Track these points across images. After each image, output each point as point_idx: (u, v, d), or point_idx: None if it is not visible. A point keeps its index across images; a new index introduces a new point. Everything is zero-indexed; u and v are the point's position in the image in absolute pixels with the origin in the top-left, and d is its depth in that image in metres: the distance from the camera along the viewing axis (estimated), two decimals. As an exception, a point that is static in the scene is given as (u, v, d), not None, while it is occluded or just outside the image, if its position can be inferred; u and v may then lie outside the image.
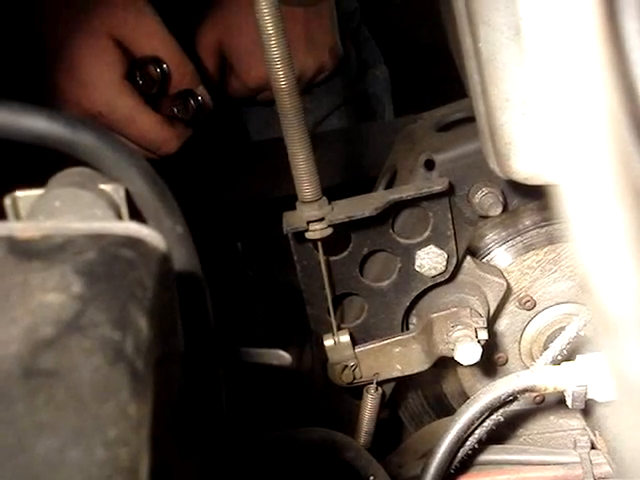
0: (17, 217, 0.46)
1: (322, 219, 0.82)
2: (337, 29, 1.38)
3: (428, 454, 0.81)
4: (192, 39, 1.34)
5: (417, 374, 0.92)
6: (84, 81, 1.16)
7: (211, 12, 1.35)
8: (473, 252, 0.94)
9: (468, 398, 0.82)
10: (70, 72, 1.15)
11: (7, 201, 0.46)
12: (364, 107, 1.55)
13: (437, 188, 0.83)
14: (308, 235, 0.82)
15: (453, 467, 0.82)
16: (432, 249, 0.87)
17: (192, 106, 1.22)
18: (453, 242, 0.87)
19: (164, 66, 1.22)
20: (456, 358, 0.83)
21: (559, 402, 0.91)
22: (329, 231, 0.82)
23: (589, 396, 0.76)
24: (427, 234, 0.86)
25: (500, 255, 0.94)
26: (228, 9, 1.32)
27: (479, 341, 0.83)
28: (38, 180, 0.48)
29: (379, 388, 0.91)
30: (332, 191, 0.84)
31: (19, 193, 0.46)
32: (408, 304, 0.90)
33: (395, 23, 1.68)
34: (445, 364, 0.93)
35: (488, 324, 0.87)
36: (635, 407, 0.28)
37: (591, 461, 0.85)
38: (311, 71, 1.37)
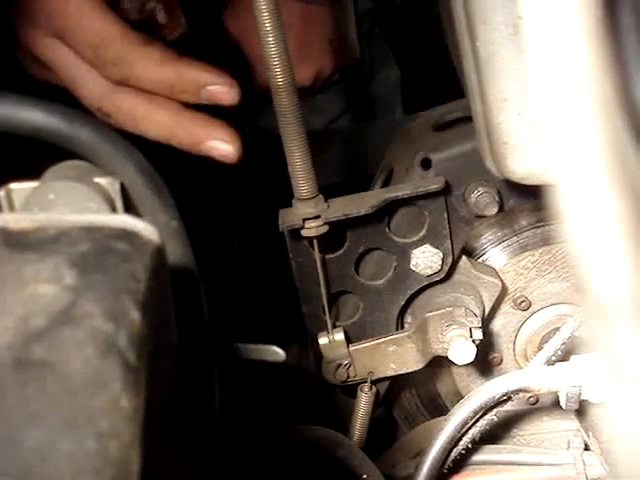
0: (11, 209, 0.45)
1: (318, 217, 0.82)
2: (354, 29, 1.37)
3: (421, 453, 0.81)
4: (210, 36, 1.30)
5: (411, 373, 0.92)
6: None
7: (229, 11, 1.31)
8: (469, 252, 0.94)
9: (462, 398, 0.82)
10: None
11: (1, 193, 0.46)
12: (375, 108, 1.54)
13: (433, 187, 0.83)
14: (304, 232, 0.82)
15: (446, 467, 0.82)
16: (428, 248, 0.87)
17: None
18: (449, 241, 0.87)
19: None
20: (450, 358, 0.83)
21: (553, 403, 0.91)
22: (325, 229, 0.82)
23: (583, 397, 0.76)
24: (423, 233, 0.87)
25: (495, 255, 0.94)
26: (244, 10, 1.30)
27: (473, 341, 0.83)
28: (33, 173, 0.48)
29: (373, 387, 0.91)
30: (328, 189, 0.84)
31: (14, 185, 0.46)
32: (403, 303, 0.90)
33: (403, 23, 1.67)
34: (440, 364, 0.93)
35: (483, 324, 0.87)
36: (628, 396, 0.28)
37: (584, 462, 0.85)
38: (328, 70, 1.36)
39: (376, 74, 1.49)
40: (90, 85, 0.83)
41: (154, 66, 0.79)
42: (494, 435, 0.90)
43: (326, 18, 1.32)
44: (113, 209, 0.46)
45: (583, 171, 0.33)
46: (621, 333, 0.28)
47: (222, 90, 0.79)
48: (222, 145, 0.80)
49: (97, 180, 0.46)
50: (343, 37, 1.35)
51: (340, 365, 0.90)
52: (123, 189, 0.47)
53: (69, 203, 0.44)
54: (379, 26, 1.56)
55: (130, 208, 0.48)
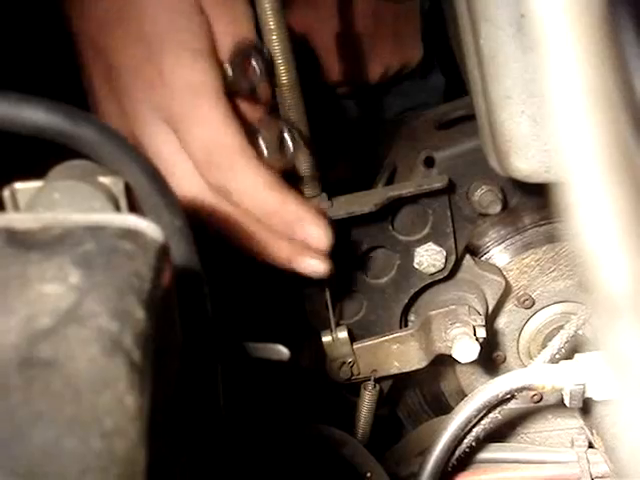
0: (16, 209, 0.46)
1: (321, 215, 0.82)
2: (420, 25, 1.36)
3: (425, 452, 0.81)
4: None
5: (415, 372, 0.92)
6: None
7: (295, 8, 1.29)
8: (472, 250, 0.94)
9: (466, 396, 0.82)
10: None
11: (6, 193, 0.46)
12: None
13: (437, 185, 0.83)
14: (307, 231, 0.82)
15: (450, 465, 0.82)
16: (431, 246, 0.87)
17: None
18: (452, 240, 0.87)
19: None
20: (454, 356, 0.83)
21: (557, 401, 0.91)
22: (328, 227, 0.82)
23: (587, 395, 0.76)
24: (426, 231, 0.87)
25: (499, 253, 0.94)
26: (310, 6, 1.28)
27: (477, 339, 0.83)
28: (37, 172, 0.48)
29: (377, 385, 0.91)
30: (332, 187, 0.84)
31: (18, 185, 0.46)
32: (407, 301, 0.91)
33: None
34: (443, 362, 0.93)
35: (486, 322, 0.87)
36: (633, 393, 0.28)
37: (588, 460, 0.85)
38: (395, 68, 1.35)
39: (427, 79, 1.47)
40: (186, 180, 0.77)
41: (261, 189, 0.75)
42: (498, 433, 0.90)
43: (397, 15, 1.31)
44: (117, 208, 0.46)
45: (587, 169, 0.33)
46: (626, 330, 0.28)
47: (316, 233, 0.76)
48: (312, 262, 0.78)
49: (101, 179, 0.46)
50: (411, 34, 1.34)
51: (344, 363, 0.90)
52: (127, 188, 0.47)
53: (73, 202, 0.44)
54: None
55: (134, 207, 0.48)
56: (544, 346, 0.90)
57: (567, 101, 0.33)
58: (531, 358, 0.95)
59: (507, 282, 0.92)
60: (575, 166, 0.33)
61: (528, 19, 0.35)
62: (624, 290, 0.28)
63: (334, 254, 0.85)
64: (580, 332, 0.81)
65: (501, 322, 0.95)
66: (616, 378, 0.29)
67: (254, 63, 0.74)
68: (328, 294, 0.87)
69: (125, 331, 0.33)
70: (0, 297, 0.34)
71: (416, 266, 0.88)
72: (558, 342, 0.82)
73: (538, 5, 0.34)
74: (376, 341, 0.90)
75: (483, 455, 0.86)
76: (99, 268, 0.35)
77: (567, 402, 0.77)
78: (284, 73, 0.74)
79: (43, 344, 0.31)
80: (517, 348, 0.96)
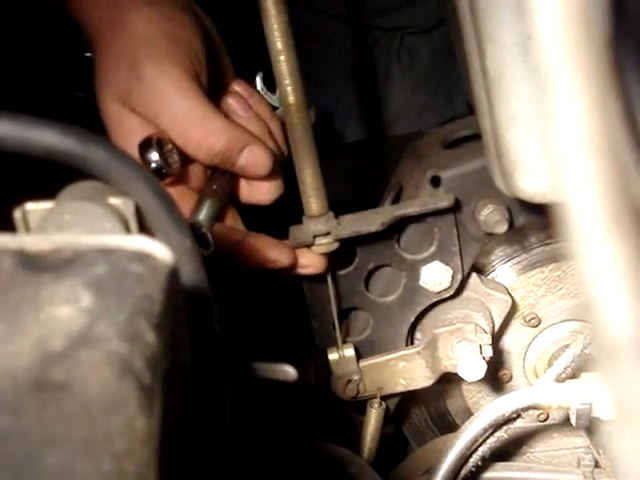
0: (27, 230, 0.46)
1: (328, 234, 0.82)
2: None
3: (431, 470, 0.81)
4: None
5: (421, 390, 0.92)
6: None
7: None
8: (479, 269, 0.94)
9: (472, 415, 0.82)
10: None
11: (17, 214, 0.46)
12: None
13: (443, 204, 0.83)
14: (314, 249, 0.83)
15: (456, 484, 0.82)
16: (437, 265, 0.87)
17: None
18: (458, 258, 0.87)
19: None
20: (460, 374, 0.83)
21: (563, 420, 0.91)
22: (335, 245, 0.83)
23: (593, 414, 0.75)
24: (432, 250, 0.87)
25: (505, 272, 0.95)
26: None
27: (483, 358, 0.83)
28: (48, 193, 0.48)
29: (383, 403, 0.91)
30: (339, 206, 0.85)
31: (29, 206, 0.46)
32: (413, 319, 0.91)
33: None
34: (449, 380, 0.93)
35: (493, 341, 0.87)
36: (635, 431, 0.28)
37: (595, 479, 0.85)
38: None
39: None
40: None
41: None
42: (504, 452, 0.90)
43: None
44: (127, 230, 0.46)
45: (587, 192, 0.33)
46: (627, 373, 0.29)
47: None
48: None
49: (111, 201, 0.47)
50: None
51: (350, 381, 0.91)
52: (137, 210, 0.47)
53: (84, 223, 0.44)
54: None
55: (143, 228, 0.48)
56: (550, 365, 0.90)
57: (571, 124, 0.34)
58: (537, 377, 0.95)
59: (513, 301, 0.92)
60: (574, 190, 0.33)
61: (534, 41, 0.36)
62: (626, 334, 0.28)
63: (341, 272, 0.86)
64: (587, 351, 0.81)
65: (507, 341, 0.95)
66: (619, 420, 0.29)
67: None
68: (334, 312, 0.87)
69: (135, 354, 0.33)
70: (12, 319, 0.34)
71: (422, 284, 0.88)
72: (564, 361, 0.82)
73: (543, 28, 0.35)
74: (382, 359, 0.90)
75: (489, 474, 0.86)
76: (110, 291, 0.35)
77: (574, 421, 0.76)
78: (292, 93, 0.75)
79: (56, 366, 0.31)
80: (523, 367, 0.96)
